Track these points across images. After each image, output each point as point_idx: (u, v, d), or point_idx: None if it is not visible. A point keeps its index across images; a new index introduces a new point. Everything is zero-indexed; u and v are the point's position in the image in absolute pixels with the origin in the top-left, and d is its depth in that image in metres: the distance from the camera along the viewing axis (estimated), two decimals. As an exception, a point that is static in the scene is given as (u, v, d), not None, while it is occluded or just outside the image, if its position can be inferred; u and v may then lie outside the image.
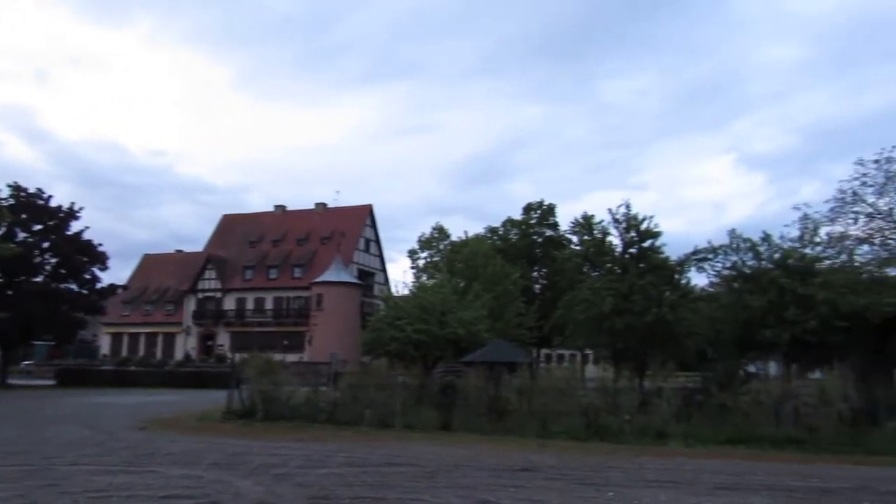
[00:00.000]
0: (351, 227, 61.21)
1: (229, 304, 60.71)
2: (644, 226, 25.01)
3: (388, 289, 57.00)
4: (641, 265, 24.44)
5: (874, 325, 19.20)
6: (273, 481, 9.52)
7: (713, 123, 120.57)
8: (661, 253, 25.13)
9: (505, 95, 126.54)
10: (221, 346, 58.42)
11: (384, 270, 66.05)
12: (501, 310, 38.99)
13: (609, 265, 25.81)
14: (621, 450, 14.27)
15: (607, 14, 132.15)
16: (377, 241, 65.48)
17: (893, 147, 28.42)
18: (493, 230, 57.57)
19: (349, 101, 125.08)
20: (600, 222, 28.28)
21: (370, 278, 61.59)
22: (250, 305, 60.04)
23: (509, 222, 57.63)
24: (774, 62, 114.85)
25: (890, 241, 28.18)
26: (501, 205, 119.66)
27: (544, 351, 52.96)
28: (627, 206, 25.22)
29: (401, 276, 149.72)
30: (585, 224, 31.44)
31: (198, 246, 67.75)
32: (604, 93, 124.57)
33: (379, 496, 8.62)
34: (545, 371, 29.51)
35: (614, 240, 26.18)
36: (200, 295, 61.63)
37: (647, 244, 25.05)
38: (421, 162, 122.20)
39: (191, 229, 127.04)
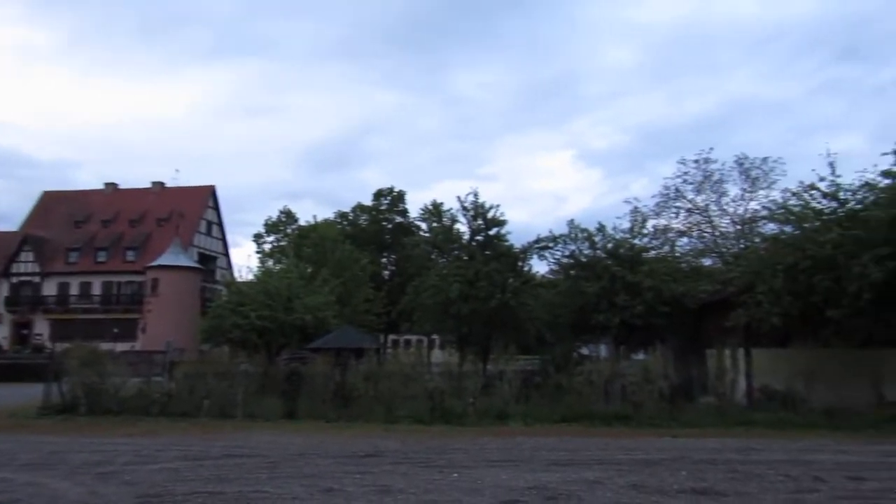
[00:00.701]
0: (191, 209, 57.98)
1: (49, 289, 55.50)
2: (491, 214, 25.77)
3: (231, 274, 54.73)
4: (487, 252, 25.19)
5: (691, 310, 21.13)
6: (96, 481, 8.77)
7: (555, 120, 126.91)
8: (506, 241, 26.04)
9: (358, 81, 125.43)
10: (39, 335, 53.28)
11: (227, 255, 63.37)
12: (349, 295, 38.73)
13: (456, 252, 26.38)
14: (464, 432, 14.64)
15: (459, 6, 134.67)
16: (220, 224, 62.61)
17: (710, 149, 31.39)
18: (342, 215, 56.98)
19: (193, 75, 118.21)
20: (449, 210, 28.83)
21: (211, 262, 58.81)
22: (75, 291, 55.24)
23: (359, 208, 57.30)
24: (611, 65, 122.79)
25: (705, 235, 31.15)
26: (352, 191, 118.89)
27: (392, 336, 53.34)
28: (475, 195, 25.87)
29: (245, 260, 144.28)
30: (435, 211, 31.91)
31: (12, 225, 61.28)
32: (455, 85, 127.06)
33: (217, 490, 8.20)
34: (392, 356, 29.65)
35: (462, 227, 26.77)
36: (14, 279, 55.81)
37: (493, 232, 25.83)
38: (270, 144, 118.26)
39: (4, 206, 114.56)
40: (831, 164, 16.62)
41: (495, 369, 20.07)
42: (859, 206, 16.00)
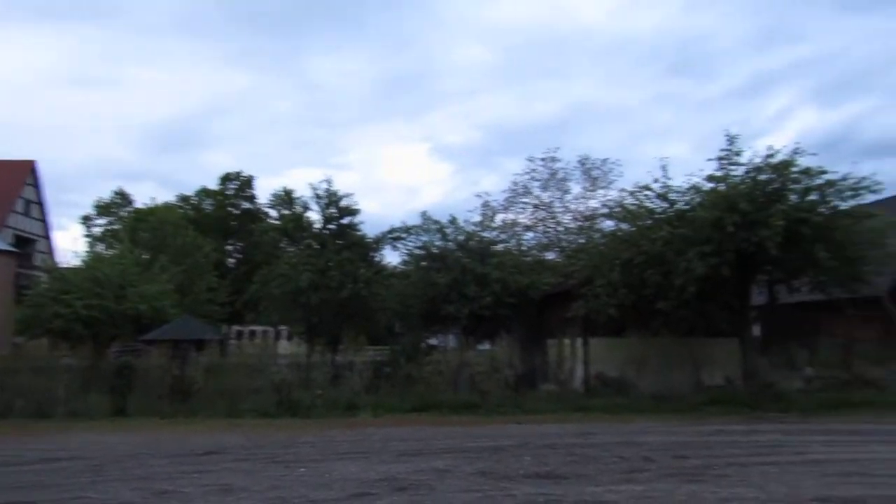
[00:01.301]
0: (6, 186, 52.20)
1: None
2: (344, 203, 25.39)
3: (53, 259, 49.96)
4: (340, 241, 24.80)
5: (535, 302, 22.04)
6: None
7: (412, 113, 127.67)
8: (360, 231, 25.79)
9: (207, 59, 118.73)
10: None
11: (48, 238, 57.76)
12: (191, 284, 36.70)
13: (308, 240, 25.75)
14: (313, 424, 14.33)
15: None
16: (40, 204, 56.86)
17: (556, 149, 32.92)
18: (185, 199, 53.86)
19: (14, 36, 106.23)
20: (300, 198, 28.10)
21: (30, 246, 53.28)
22: None
23: (204, 192, 54.44)
24: (467, 62, 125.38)
25: (550, 230, 32.61)
26: (197, 174, 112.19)
27: (236, 327, 51.28)
28: (329, 183, 25.36)
29: (71, 245, 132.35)
30: (286, 198, 31.03)
31: None
32: (313, 70, 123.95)
33: (29, 500, 7.37)
34: (237, 348, 28.43)
35: (314, 215, 26.18)
36: None
37: (346, 221, 25.47)
38: (104, 119, 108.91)
39: None
40: (663, 168, 17.93)
41: (345, 360, 19.85)
42: (687, 207, 17.38)
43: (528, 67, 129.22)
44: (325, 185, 25.26)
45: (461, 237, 23.27)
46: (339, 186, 28.12)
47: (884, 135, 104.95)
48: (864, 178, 16.07)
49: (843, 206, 16.27)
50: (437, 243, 23.44)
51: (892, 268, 18.87)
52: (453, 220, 23.55)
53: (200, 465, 9.47)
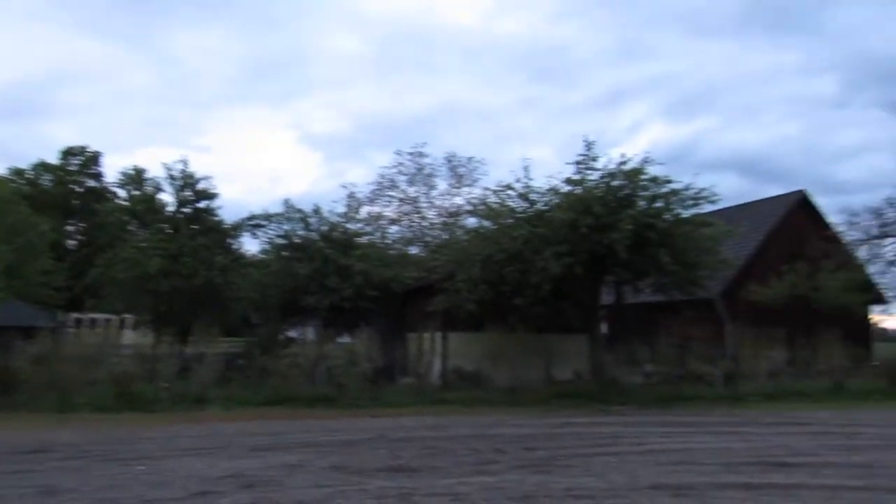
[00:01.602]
0: None
1: None
2: (201, 186, 24.15)
3: None
4: (195, 226, 23.56)
5: (397, 295, 22.07)
6: None
7: (279, 98, 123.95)
8: (217, 216, 24.63)
9: (54, 21, 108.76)
10: None
11: None
12: (22, 266, 33.45)
13: (159, 223, 24.23)
14: (156, 419, 13.48)
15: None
16: None
17: (424, 144, 33.15)
18: (18, 172, 48.99)
19: None
20: (153, 178, 26.37)
21: None
22: None
23: (42, 166, 49.80)
24: (340, 51, 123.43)
25: (414, 224, 32.80)
26: (35, 146, 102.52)
27: (75, 315, 47.41)
28: (185, 164, 24.00)
29: None
30: (136, 177, 28.99)
31: None
32: (174, 44, 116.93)
33: None
34: (74, 337, 26.26)
35: (168, 198, 24.68)
36: None
37: (202, 205, 24.24)
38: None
39: None
40: (525, 169, 18.52)
41: (195, 352, 18.86)
42: (546, 208, 18.05)
43: (400, 62, 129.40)
44: (180, 166, 23.90)
45: (325, 227, 22.83)
46: (197, 168, 26.73)
47: (721, 152, 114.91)
48: (703, 190, 17.41)
49: (685, 214, 17.55)
50: (300, 232, 22.86)
51: (724, 273, 20.65)
52: (317, 210, 23.07)
53: (23, 465, 8.61)
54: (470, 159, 32.56)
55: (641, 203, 17.17)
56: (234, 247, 24.92)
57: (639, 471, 8.39)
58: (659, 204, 17.28)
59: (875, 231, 24.71)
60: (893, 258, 24.70)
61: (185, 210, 24.06)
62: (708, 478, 7.98)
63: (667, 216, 17.21)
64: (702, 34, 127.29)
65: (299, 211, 22.95)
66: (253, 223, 23.95)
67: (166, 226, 23.90)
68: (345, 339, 25.19)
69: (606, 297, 20.40)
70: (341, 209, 23.89)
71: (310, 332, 25.75)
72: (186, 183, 23.85)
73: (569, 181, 17.80)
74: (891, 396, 17.74)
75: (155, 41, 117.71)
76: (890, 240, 24.73)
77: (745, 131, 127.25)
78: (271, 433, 11.62)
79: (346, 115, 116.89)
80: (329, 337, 21.25)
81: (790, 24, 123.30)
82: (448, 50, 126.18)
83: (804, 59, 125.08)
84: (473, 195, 29.44)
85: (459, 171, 32.42)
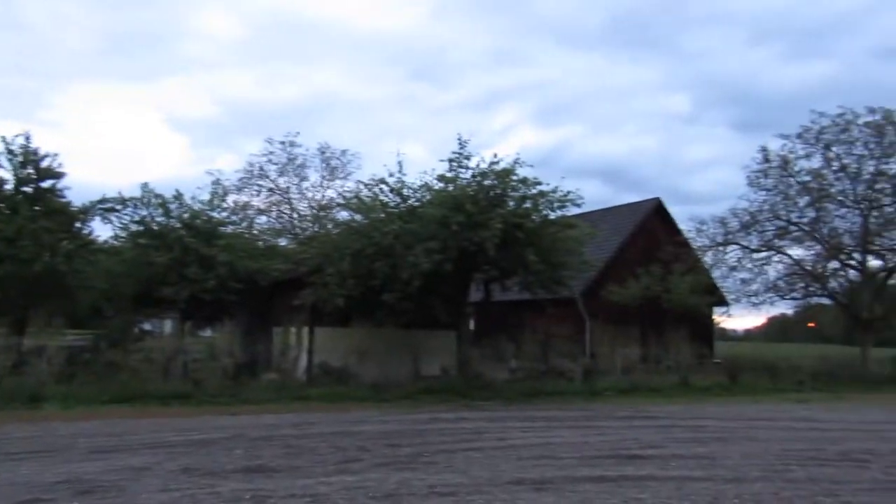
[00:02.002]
0: None
1: None
2: (46, 164, 22.00)
3: None
4: (37, 207, 21.45)
5: (263, 288, 21.24)
6: None
7: (143, 76, 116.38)
8: (63, 197, 22.55)
9: None
10: None
11: None
12: None
13: (-6, 203, 21.85)
14: (-19, 419, 12.12)
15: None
16: None
17: (297, 134, 32.27)
18: None
19: None
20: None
21: None
22: None
23: None
24: (211, 31, 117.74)
25: (284, 215, 31.87)
26: None
27: None
28: (27, 139, 21.80)
29: None
30: (-33, 151, 26.06)
31: None
32: (21, 8, 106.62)
33: None
34: None
35: (5, 174, 22.31)
36: None
37: (46, 185, 22.10)
38: None
39: None
40: (399, 164, 18.39)
41: (33, 345, 17.22)
42: (418, 204, 18.01)
43: (276, 48, 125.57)
44: (20, 141, 21.69)
45: (186, 215, 21.53)
46: (42, 145, 24.39)
47: (586, 159, 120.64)
48: (569, 193, 18.02)
49: (552, 215, 18.11)
50: (159, 219, 21.43)
51: (586, 274, 21.55)
52: (178, 196, 21.70)
53: None
54: (343, 152, 32.11)
55: (511, 203, 17.52)
56: (83, 231, 22.94)
57: (501, 466, 8.48)
58: (528, 205, 17.71)
59: (720, 238, 26.83)
60: (735, 264, 26.93)
61: (26, 189, 21.85)
62: (566, 471, 8.20)
63: (535, 217, 17.68)
64: (571, 45, 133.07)
65: (158, 196, 21.50)
66: (106, 207, 22.13)
67: (2, 206, 21.63)
68: (206, 332, 24.00)
69: (474, 294, 20.71)
70: (206, 197, 22.59)
71: (167, 325, 24.32)
72: (28, 160, 21.65)
73: (442, 178, 17.85)
74: (731, 391, 19.24)
75: (1, 4, 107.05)
76: (732, 247, 26.93)
77: (608, 141, 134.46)
78: (116, 433, 10.76)
79: (216, 100, 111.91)
80: (189, 330, 20.14)
81: (650, 43, 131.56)
82: (326, 40, 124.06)
83: (662, 78, 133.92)
84: (346, 188, 29.03)
85: (332, 164, 31.88)
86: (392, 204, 18.42)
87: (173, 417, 12.88)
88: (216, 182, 24.17)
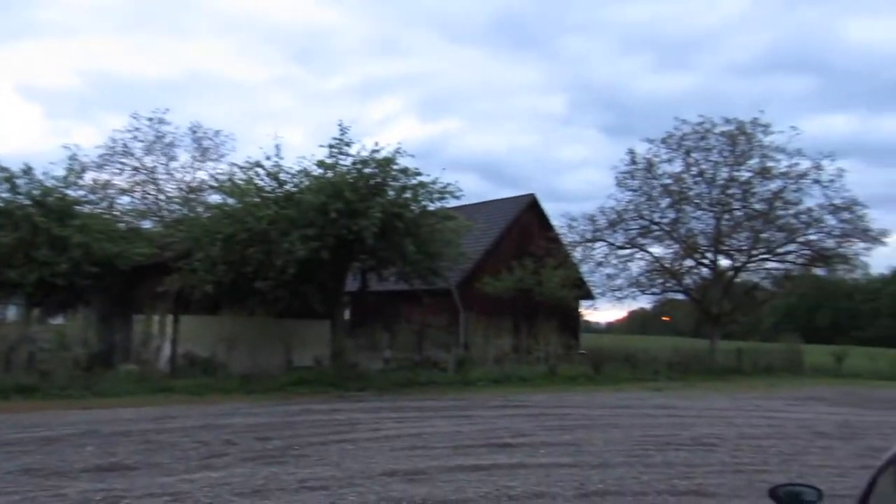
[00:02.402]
0: None
1: None
2: None
3: None
4: None
5: (124, 273, 19.86)
6: None
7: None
8: None
9: None
10: None
11: None
12: None
13: None
14: None
15: None
16: None
17: (166, 111, 30.39)
18: None
19: None
20: None
21: None
22: None
23: None
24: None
25: (149, 196, 29.97)
26: None
27: None
28: None
29: None
30: None
31: None
32: None
33: None
34: None
35: None
36: None
37: None
38: None
39: None
40: (277, 148, 17.78)
41: None
42: (295, 189, 17.48)
43: (147, 18, 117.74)
44: None
45: (37, 191, 19.72)
46: None
47: (465, 153, 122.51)
48: (449, 185, 18.12)
49: (431, 206, 18.15)
50: (4, 195, 19.50)
51: (462, 265, 21.81)
52: (28, 171, 19.83)
53: None
54: (217, 132, 30.51)
55: (391, 192, 17.40)
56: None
57: (374, 457, 8.36)
58: (408, 195, 17.66)
59: (589, 235, 28.05)
60: (602, 260, 28.27)
61: None
62: (439, 461, 8.20)
63: (414, 207, 17.67)
64: (455, 40, 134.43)
65: (4, 170, 19.56)
66: None
67: None
68: (58, 320, 22.18)
69: (351, 284, 20.42)
70: (60, 173, 20.76)
71: (11, 311, 22.21)
72: None
73: (321, 164, 17.42)
74: (595, 381, 20.14)
75: None
76: (600, 244, 28.25)
77: (487, 137, 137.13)
78: (-55, 431, 9.66)
79: (77, 69, 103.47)
80: (37, 317, 18.48)
81: (531, 44, 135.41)
82: (201, 14, 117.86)
83: (540, 79, 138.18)
84: (218, 171, 27.69)
85: (204, 144, 30.24)
86: (268, 188, 17.78)
87: (14, 413, 11.75)
88: (73, 157, 22.22)
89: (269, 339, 17.73)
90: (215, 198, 20.79)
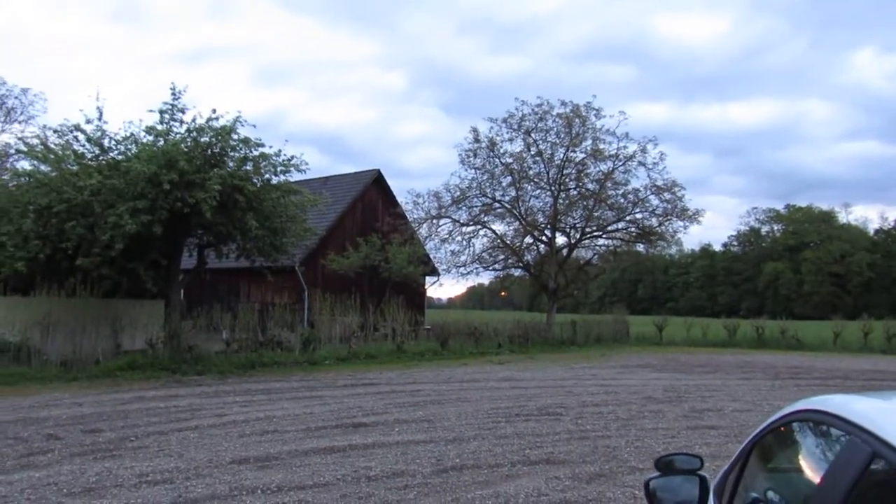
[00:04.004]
0: None
1: None
2: None
3: None
4: None
5: None
6: None
7: None
8: None
9: None
10: None
11: None
12: None
13: None
14: None
15: None
16: None
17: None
18: None
19: None
20: None
21: None
22: None
23: None
24: None
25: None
26: None
27: None
28: None
29: None
30: None
31: None
32: None
33: None
34: None
35: None
36: None
37: None
38: None
39: None
40: (99, 111, 16.19)
41: None
42: (122, 157, 16.09)
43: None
44: None
45: None
46: None
47: (305, 126, 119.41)
48: (293, 157, 17.51)
49: (274, 180, 17.47)
50: None
51: (307, 241, 21.28)
52: None
53: None
54: (24, 91, 27.51)
55: (231, 164, 16.57)
56: None
57: (221, 445, 7.94)
58: (249, 167, 16.91)
59: (434, 212, 28.43)
60: (446, 237, 28.80)
61: None
62: (292, 445, 7.95)
63: (256, 180, 16.94)
64: (291, 8, 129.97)
65: None
66: None
67: None
68: None
69: (187, 261, 19.25)
70: None
71: None
72: None
73: (151, 131, 16.15)
74: (441, 356, 20.55)
75: None
76: (444, 220, 28.73)
77: (327, 110, 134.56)
78: None
79: None
80: None
81: (372, 18, 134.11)
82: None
83: (380, 54, 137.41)
84: (27, 133, 24.89)
85: (10, 104, 27.12)
86: (89, 155, 16.23)
87: None
88: None
89: (93, 321, 16.28)
90: (24, 164, 18.68)
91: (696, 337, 29.36)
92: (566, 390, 13.32)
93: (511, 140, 28.67)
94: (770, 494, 2.19)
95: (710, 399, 12.28)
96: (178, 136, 16.24)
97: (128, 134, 16.43)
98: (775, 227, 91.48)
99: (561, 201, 28.88)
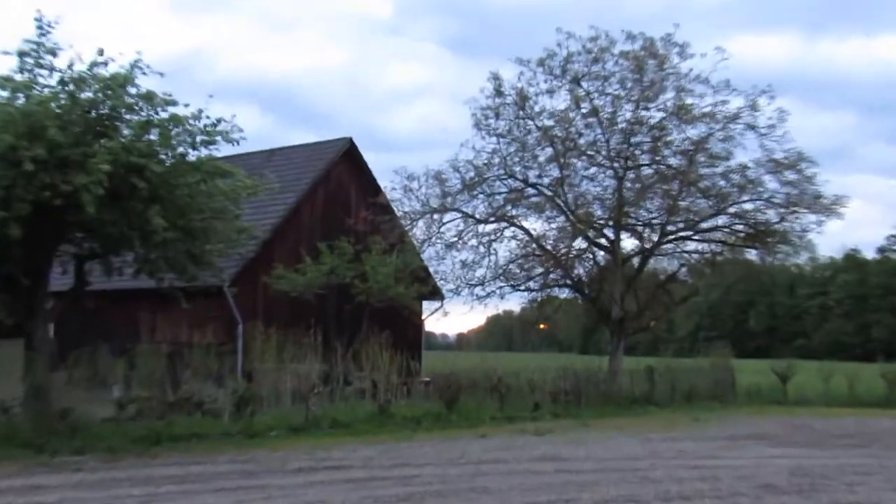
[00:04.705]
0: None
1: None
2: None
3: None
4: None
5: None
6: None
7: None
8: None
9: None
10: None
11: None
12: None
13: None
14: None
15: None
16: None
17: None
18: None
19: None
20: None
21: None
22: None
23: None
24: None
25: None
26: None
27: None
28: None
29: None
30: None
31: None
32: None
33: None
34: None
35: None
36: None
37: None
38: None
39: None
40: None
41: None
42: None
43: None
44: None
45: None
46: None
47: (237, 74, 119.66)
48: (221, 121, 17.53)
49: (192, 155, 17.48)
50: None
51: (242, 249, 21.26)
52: None
53: None
54: None
55: (126, 132, 16.63)
56: None
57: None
58: (153, 136, 16.94)
59: (435, 203, 28.17)
60: (455, 239, 28.50)
61: None
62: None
63: (164, 156, 16.97)
64: None
65: None
66: None
67: None
68: None
69: (59, 280, 19.33)
70: None
71: None
72: None
73: (7, 82, 16.23)
74: (447, 422, 20.48)
75: None
76: (451, 215, 28.46)
77: (274, 51, 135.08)
78: None
79: None
80: None
81: None
82: None
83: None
84: None
85: None
86: None
87: None
88: None
89: None
90: None
91: (838, 392, 29.24)
92: (640, 475, 13.25)
93: (551, 93, 28.59)
94: None
95: (860, 489, 12.18)
96: (46, 90, 16.35)
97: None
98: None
99: (628, 185, 28.77)
